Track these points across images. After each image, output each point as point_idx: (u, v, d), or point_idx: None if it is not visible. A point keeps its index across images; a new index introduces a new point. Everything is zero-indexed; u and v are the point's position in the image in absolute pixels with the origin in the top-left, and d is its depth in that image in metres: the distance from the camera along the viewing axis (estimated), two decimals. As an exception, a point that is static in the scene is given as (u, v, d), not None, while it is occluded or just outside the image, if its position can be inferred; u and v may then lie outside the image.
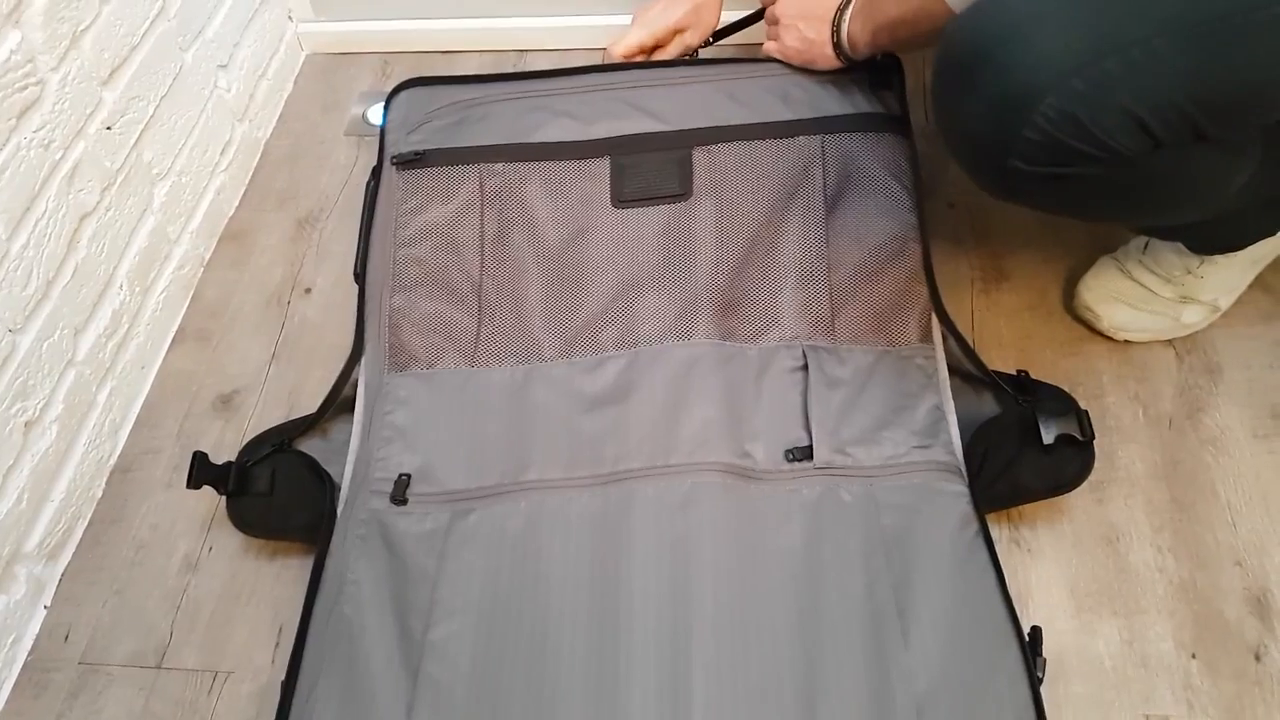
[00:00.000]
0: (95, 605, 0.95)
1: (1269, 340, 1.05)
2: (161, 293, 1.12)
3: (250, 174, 1.30)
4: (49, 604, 0.95)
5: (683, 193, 0.97)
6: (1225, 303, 1.03)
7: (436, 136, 1.02)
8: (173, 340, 1.14)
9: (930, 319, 0.95)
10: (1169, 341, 1.04)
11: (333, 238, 1.22)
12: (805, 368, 0.91)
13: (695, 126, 1.00)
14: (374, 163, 1.06)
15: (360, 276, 1.00)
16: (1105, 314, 1.03)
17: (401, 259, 0.98)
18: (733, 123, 0.99)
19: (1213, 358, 1.03)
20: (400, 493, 0.86)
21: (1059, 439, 0.86)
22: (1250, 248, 0.98)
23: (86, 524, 1.00)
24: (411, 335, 0.95)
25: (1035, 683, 0.75)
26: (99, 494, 1.02)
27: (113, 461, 1.04)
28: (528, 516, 0.84)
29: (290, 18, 1.40)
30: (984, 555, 0.81)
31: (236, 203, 1.27)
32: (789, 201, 0.97)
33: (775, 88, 1.02)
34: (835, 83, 1.02)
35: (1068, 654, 0.85)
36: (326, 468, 0.93)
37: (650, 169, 0.98)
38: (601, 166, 0.99)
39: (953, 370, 0.94)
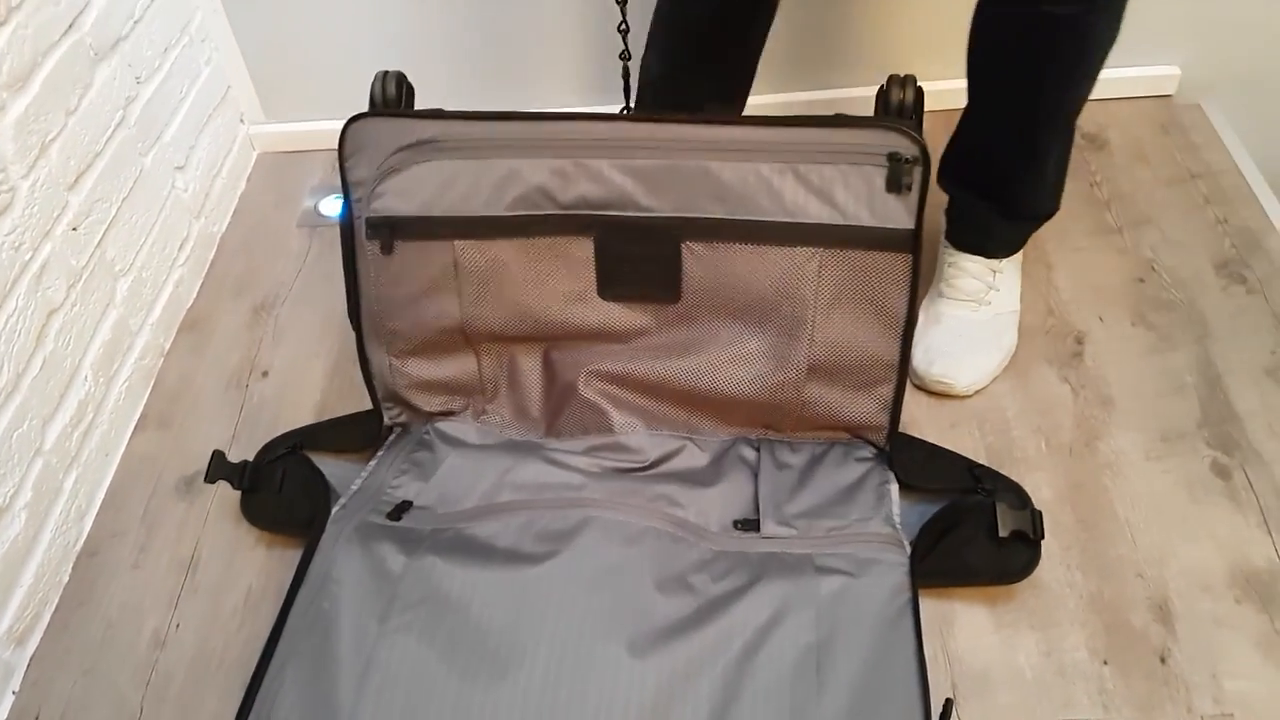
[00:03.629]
0: (65, 685, 0.97)
1: (1154, 371, 1.15)
2: (124, 382, 1.17)
3: (207, 266, 1.36)
4: (17, 689, 0.97)
5: (671, 297, 0.97)
6: (1019, 306, 1.18)
7: (405, 196, 0.94)
8: (136, 426, 1.19)
9: (887, 418, 1.01)
10: (1064, 378, 1.14)
11: (288, 322, 1.29)
12: (758, 454, 1.02)
13: (685, 215, 0.93)
14: (333, 232, 1.15)
15: (357, 331, 1.05)
16: (953, 377, 1.11)
17: (392, 330, 1.01)
18: (726, 217, 0.92)
19: (1104, 390, 1.13)
20: (398, 513, 0.97)
21: (1011, 534, 0.93)
22: (1018, 253, 1.16)
23: (54, 608, 1.03)
24: (423, 403, 1.05)
25: None
26: (66, 578, 1.05)
27: (79, 546, 1.07)
28: (494, 528, 0.95)
29: (242, 120, 1.48)
30: (909, 623, 0.87)
31: (194, 293, 1.33)
32: (774, 312, 0.96)
33: (777, 172, 0.90)
34: (847, 174, 0.90)
35: (993, 667, 0.92)
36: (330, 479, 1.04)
37: (638, 263, 0.95)
38: (584, 249, 0.95)
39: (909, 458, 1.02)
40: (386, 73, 0.97)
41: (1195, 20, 1.47)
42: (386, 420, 1.08)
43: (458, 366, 1.04)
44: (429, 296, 0.98)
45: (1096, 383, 1.14)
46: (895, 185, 0.89)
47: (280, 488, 1.03)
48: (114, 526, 1.10)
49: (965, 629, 0.95)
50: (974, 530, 0.94)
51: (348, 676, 0.83)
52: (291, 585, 0.93)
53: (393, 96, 0.97)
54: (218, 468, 1.03)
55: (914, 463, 1.01)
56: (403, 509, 0.98)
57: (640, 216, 0.93)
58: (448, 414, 1.07)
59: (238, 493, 1.06)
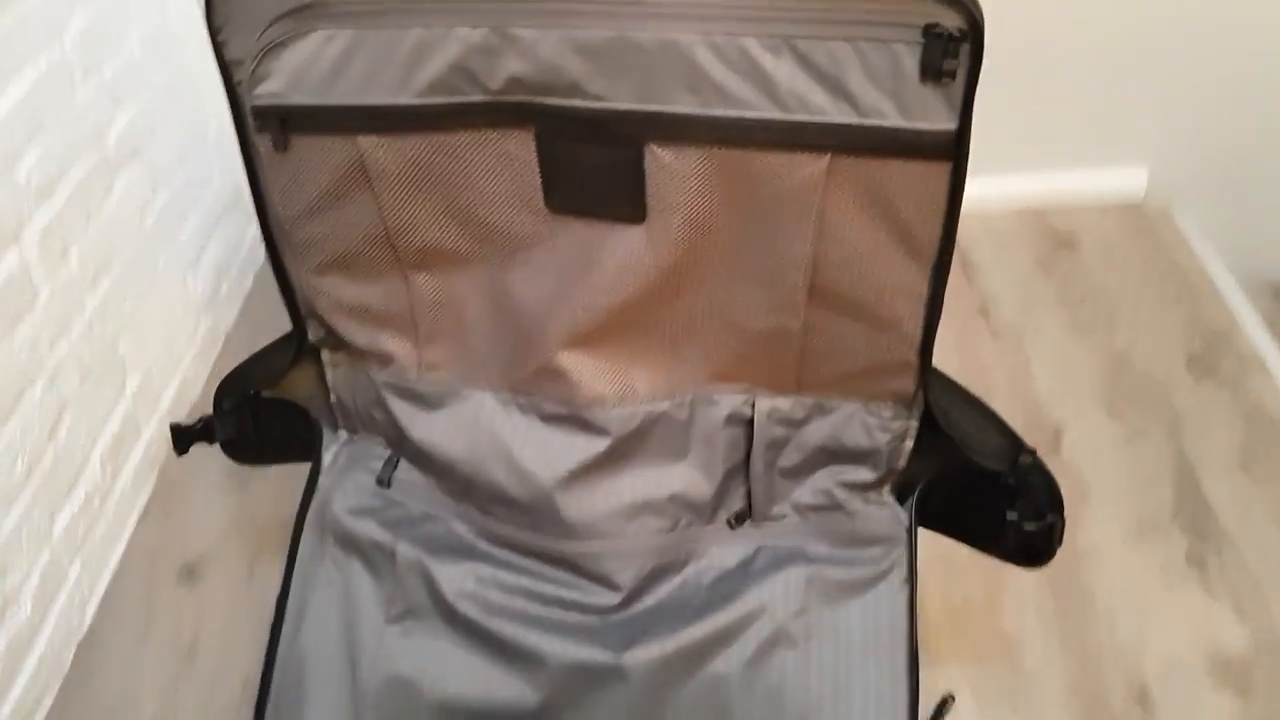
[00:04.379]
0: (63, 773, 0.99)
1: (1129, 463, 1.19)
2: (130, 473, 1.20)
3: (213, 362, 1.41)
4: (16, 777, 0.99)
5: (634, 215, 0.75)
6: None
7: (296, 81, 0.73)
8: (139, 516, 1.22)
9: (910, 391, 0.81)
10: (1042, 468, 1.18)
11: (291, 416, 1.33)
12: (750, 425, 0.85)
13: (648, 109, 0.70)
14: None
15: (265, 238, 0.86)
16: None
17: (301, 241, 0.82)
18: (704, 112, 0.69)
19: (1082, 482, 1.17)
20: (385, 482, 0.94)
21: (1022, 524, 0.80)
22: None
23: (54, 695, 1.04)
24: (349, 330, 0.88)
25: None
26: (68, 664, 1.07)
27: (82, 633, 1.10)
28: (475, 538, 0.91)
29: (251, 219, 1.55)
30: (900, 607, 0.84)
31: (200, 389, 1.38)
32: (770, 238, 0.75)
33: (769, 49, 0.66)
34: (866, 54, 0.65)
35: (976, 753, 0.94)
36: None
37: (591, 171, 0.74)
38: (524, 145, 0.74)
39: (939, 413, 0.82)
40: None
41: (1162, 125, 1.55)
42: (311, 338, 0.91)
43: (385, 290, 0.85)
44: (339, 202, 0.79)
45: (1074, 474, 1.18)
46: (933, 71, 0.64)
47: (255, 427, 0.95)
48: (115, 614, 1.12)
49: (950, 715, 0.97)
50: (986, 508, 0.82)
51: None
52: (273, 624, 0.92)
53: None
54: (182, 437, 0.95)
55: (952, 416, 0.81)
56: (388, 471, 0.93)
57: (591, 108, 0.70)
58: (384, 359, 0.89)
59: (238, 580, 1.09)
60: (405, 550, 0.89)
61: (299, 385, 0.95)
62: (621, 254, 0.77)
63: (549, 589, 0.88)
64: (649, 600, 0.88)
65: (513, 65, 0.70)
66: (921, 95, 0.65)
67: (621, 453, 0.85)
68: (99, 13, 1.16)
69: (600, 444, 0.85)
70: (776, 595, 0.84)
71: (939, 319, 0.76)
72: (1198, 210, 1.60)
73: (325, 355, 0.93)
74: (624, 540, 0.87)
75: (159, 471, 1.27)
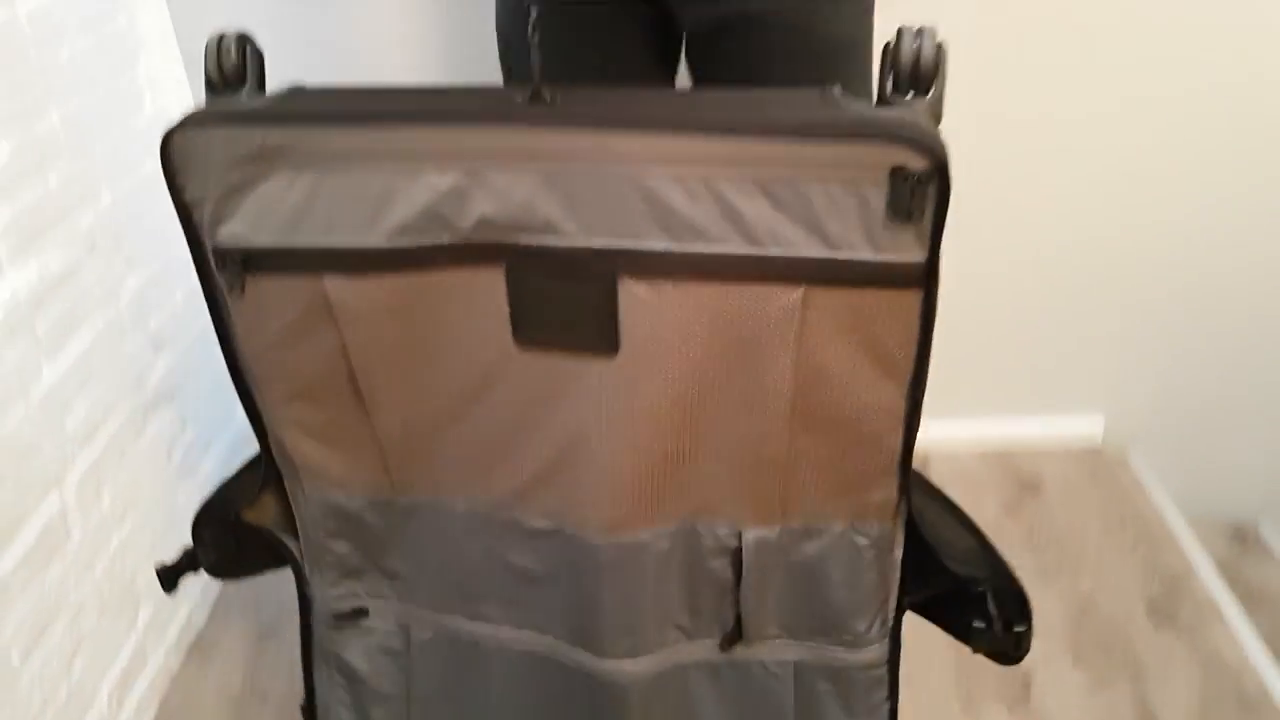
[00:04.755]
0: None
1: (1095, 710, 1.24)
2: (134, 704, 1.24)
3: (218, 590, 1.47)
4: None
5: (607, 347, 0.73)
6: None
7: (252, 225, 0.73)
8: (138, 750, 1.25)
9: (894, 502, 0.81)
10: (1014, 715, 1.23)
11: (291, 645, 1.38)
12: (739, 554, 0.83)
13: (624, 246, 0.69)
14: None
15: (228, 366, 0.83)
16: None
17: (263, 375, 0.81)
18: (677, 249, 0.69)
19: (1050, 731, 1.22)
20: (360, 628, 0.94)
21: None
22: None
23: None
24: (314, 455, 0.85)
25: None
26: None
27: None
28: (478, 660, 0.92)
29: (265, 450, 1.65)
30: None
31: (206, 617, 1.43)
32: (749, 367, 0.74)
33: (742, 193, 0.67)
34: (834, 194, 0.66)
35: None
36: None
37: (562, 305, 0.73)
38: (493, 283, 0.73)
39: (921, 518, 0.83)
40: (223, 36, 0.74)
41: (1116, 374, 1.69)
42: (280, 468, 0.88)
43: (351, 421, 0.83)
44: (303, 339, 0.78)
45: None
46: (901, 211, 0.65)
47: (238, 548, 0.95)
48: None
49: None
50: (960, 612, 0.84)
51: None
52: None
53: (234, 67, 0.74)
54: (168, 576, 0.93)
55: (927, 518, 0.83)
56: (359, 617, 0.94)
57: (563, 246, 0.70)
58: (352, 485, 0.87)
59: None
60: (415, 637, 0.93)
61: (271, 509, 0.93)
62: (594, 387, 0.75)
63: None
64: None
65: (483, 207, 0.69)
66: (890, 231, 0.66)
67: (606, 575, 0.82)
68: (151, 275, 1.30)
69: (583, 565, 0.83)
70: (777, 698, 0.87)
71: (917, 430, 0.77)
72: (1154, 453, 1.71)
73: (288, 485, 0.90)
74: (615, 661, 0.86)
75: (160, 702, 1.31)
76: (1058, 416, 1.73)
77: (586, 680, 0.87)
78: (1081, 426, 1.74)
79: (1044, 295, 1.63)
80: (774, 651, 0.87)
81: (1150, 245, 1.57)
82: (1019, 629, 0.80)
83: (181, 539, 1.35)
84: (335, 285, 0.73)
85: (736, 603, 0.84)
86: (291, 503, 0.90)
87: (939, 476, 1.63)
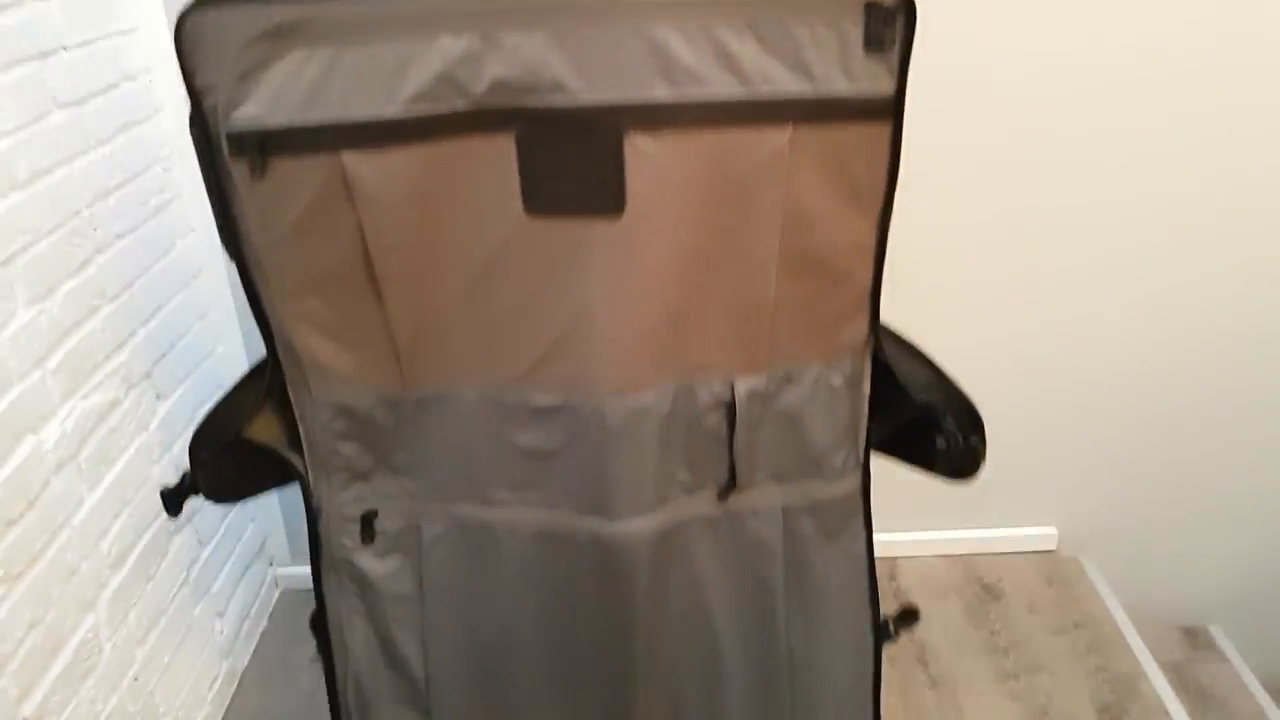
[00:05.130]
0: None
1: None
2: (148, 817, 1.30)
3: (228, 702, 1.54)
4: None
5: (614, 206, 0.78)
6: None
7: (269, 105, 0.75)
8: None
9: (864, 338, 0.91)
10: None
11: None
12: (732, 407, 0.89)
13: (625, 102, 0.75)
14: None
15: (238, 266, 0.84)
16: None
17: (276, 266, 0.82)
18: (679, 97, 0.75)
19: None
20: (369, 533, 0.93)
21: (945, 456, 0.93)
22: None
23: None
24: (324, 352, 0.87)
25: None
26: None
27: None
28: (489, 543, 0.94)
29: (271, 563, 1.73)
30: (859, 550, 0.98)
31: (216, 729, 1.49)
32: (745, 212, 0.80)
33: (734, 33, 0.74)
34: (818, 31, 0.75)
35: None
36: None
37: (571, 167, 0.77)
38: (503, 150, 0.76)
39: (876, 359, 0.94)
40: None
41: (1065, 488, 1.82)
42: (286, 371, 0.90)
43: (362, 310, 0.85)
44: (319, 223, 0.79)
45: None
46: (875, 41, 0.74)
47: (238, 471, 0.96)
48: None
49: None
50: (920, 443, 0.94)
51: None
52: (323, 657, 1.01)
53: None
54: (171, 500, 0.95)
55: (890, 356, 0.94)
56: (369, 524, 0.94)
57: (572, 105, 0.75)
58: (360, 381, 0.89)
59: None
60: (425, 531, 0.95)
61: (273, 425, 0.94)
62: (600, 250, 0.78)
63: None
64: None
65: (496, 69, 0.73)
66: (865, 64, 0.76)
67: (613, 440, 0.87)
68: (175, 403, 1.40)
69: (592, 433, 0.87)
70: (766, 543, 0.94)
71: (883, 269, 0.86)
72: (1108, 561, 1.84)
73: (291, 393, 0.91)
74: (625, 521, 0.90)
75: (172, 813, 1.37)
76: (1017, 528, 1.85)
77: (595, 548, 0.90)
78: (1036, 537, 1.86)
79: (1002, 417, 1.76)
80: (763, 499, 0.93)
81: (1100, 369, 1.72)
82: (974, 441, 0.90)
83: (193, 653, 1.43)
84: (354, 161, 0.75)
85: (731, 454, 0.90)
86: (296, 413, 0.91)
87: (909, 584, 1.75)
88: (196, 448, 0.92)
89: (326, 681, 1.01)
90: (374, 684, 0.98)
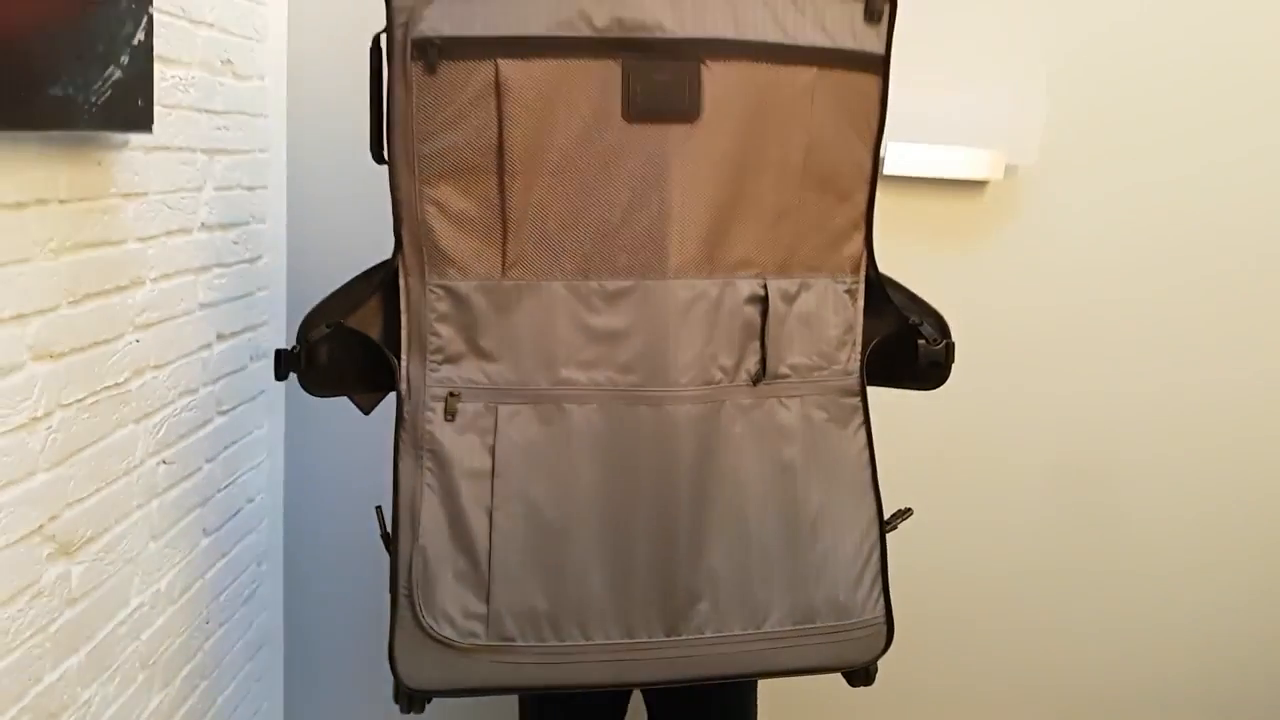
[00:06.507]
0: None
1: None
2: None
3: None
4: None
5: (692, 113, 1.05)
6: None
7: (450, 19, 1.02)
8: None
9: (860, 255, 1.17)
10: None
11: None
12: (765, 301, 1.12)
13: (701, 36, 1.04)
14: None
15: (388, 162, 1.07)
16: None
17: (427, 154, 1.05)
18: (739, 38, 1.05)
19: None
20: (452, 410, 1.09)
21: (929, 361, 1.19)
22: None
23: None
24: (446, 237, 1.07)
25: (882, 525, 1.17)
26: None
27: None
28: (558, 416, 1.09)
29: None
30: (862, 440, 1.18)
31: None
32: (781, 129, 1.09)
33: (779, 3, 1.06)
34: (832, 4, 1.08)
35: None
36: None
37: (660, 83, 1.04)
38: (613, 72, 1.03)
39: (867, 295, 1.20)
40: None
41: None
42: (406, 252, 1.09)
43: (485, 197, 1.07)
44: (470, 116, 1.04)
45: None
46: (872, 15, 1.09)
47: (330, 361, 1.12)
48: None
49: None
50: (904, 353, 1.20)
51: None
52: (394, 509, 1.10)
53: None
54: (284, 362, 1.12)
55: (880, 280, 1.20)
56: (454, 403, 1.09)
57: (666, 38, 1.03)
58: (466, 269, 1.08)
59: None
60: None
61: (376, 319, 1.14)
62: (679, 146, 1.06)
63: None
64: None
65: (617, 10, 1.02)
66: (865, 30, 1.09)
67: (676, 318, 1.09)
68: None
69: (657, 313, 1.09)
70: (789, 427, 1.14)
71: (876, 191, 1.15)
72: None
73: (402, 281, 1.10)
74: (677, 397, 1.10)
75: None
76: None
77: (653, 419, 1.10)
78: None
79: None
80: (787, 390, 1.15)
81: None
82: (949, 341, 1.20)
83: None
84: (506, 66, 1.03)
85: (763, 345, 1.12)
86: (403, 300, 1.10)
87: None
88: (306, 328, 1.11)
89: (390, 558, 1.10)
90: (439, 558, 1.09)
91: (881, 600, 1.16)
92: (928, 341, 1.18)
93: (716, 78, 1.05)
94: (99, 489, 1.18)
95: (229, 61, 1.45)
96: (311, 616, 1.81)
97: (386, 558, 1.10)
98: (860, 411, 1.18)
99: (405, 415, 1.10)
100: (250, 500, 1.65)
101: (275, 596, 1.78)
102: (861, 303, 1.18)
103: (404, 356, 1.10)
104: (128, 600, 1.26)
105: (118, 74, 1.07)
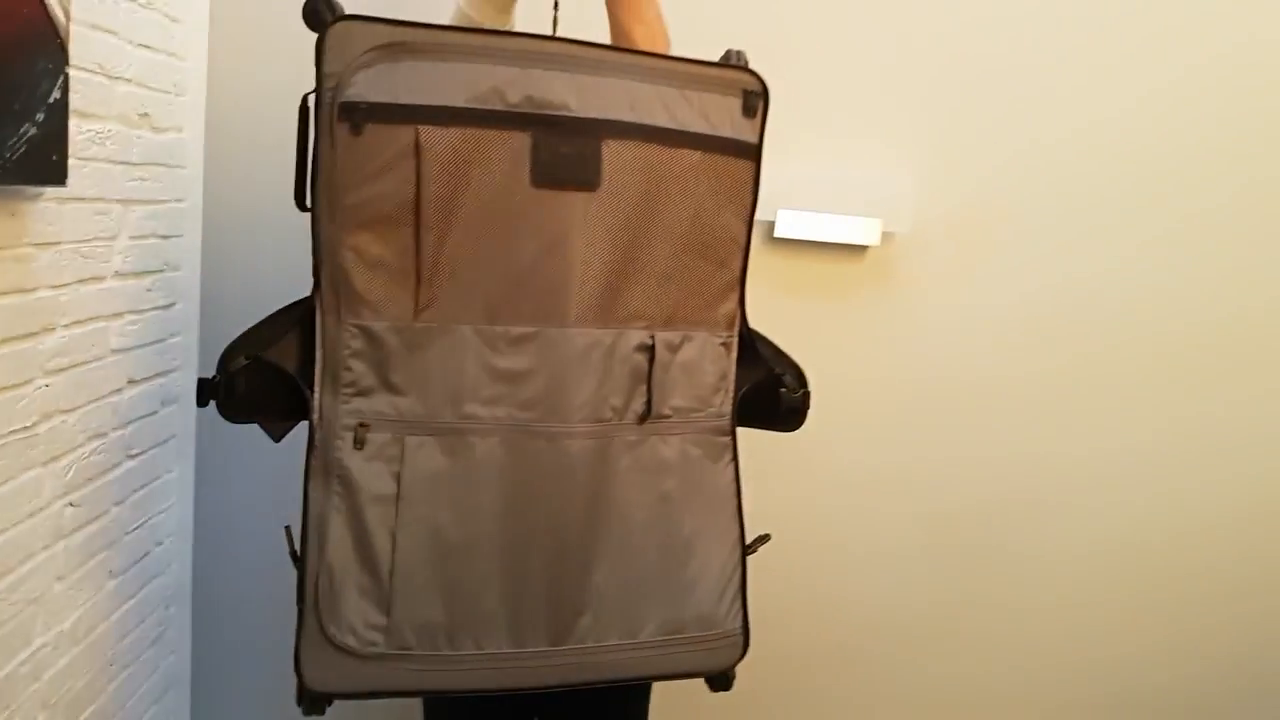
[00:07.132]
0: None
1: None
2: None
3: None
4: None
5: (593, 183, 1.16)
6: None
7: (376, 87, 1.10)
8: None
9: (735, 313, 1.29)
10: None
11: None
12: (652, 351, 1.24)
13: (602, 117, 1.15)
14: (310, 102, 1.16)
15: (311, 210, 1.13)
16: None
17: (348, 205, 1.12)
18: (635, 121, 1.17)
19: None
20: (361, 439, 1.16)
21: (787, 408, 1.34)
22: None
23: None
24: (362, 281, 1.15)
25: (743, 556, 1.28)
26: None
27: None
28: (463, 447, 1.18)
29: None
30: (730, 474, 1.30)
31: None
32: (670, 203, 1.20)
33: (675, 93, 1.19)
34: (716, 100, 1.22)
35: None
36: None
37: (565, 155, 1.15)
38: (523, 142, 1.13)
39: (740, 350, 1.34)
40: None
41: None
42: (324, 294, 1.15)
43: (401, 247, 1.14)
44: (391, 173, 1.12)
45: None
46: (749, 111, 1.23)
47: (248, 391, 1.17)
48: None
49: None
50: (768, 400, 1.34)
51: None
52: (303, 527, 1.15)
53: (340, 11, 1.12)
54: (201, 390, 1.17)
55: (751, 337, 1.33)
56: (362, 433, 1.16)
57: (571, 116, 1.14)
58: (379, 310, 1.16)
59: None
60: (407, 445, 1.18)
61: (292, 353, 1.20)
62: (580, 212, 1.16)
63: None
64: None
65: (528, 90, 1.13)
66: (743, 122, 1.23)
67: (573, 363, 1.20)
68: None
69: (557, 357, 1.19)
70: (669, 461, 1.26)
71: (749, 260, 1.27)
72: None
73: (319, 318, 1.17)
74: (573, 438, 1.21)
75: None
76: None
77: (550, 452, 1.20)
78: None
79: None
80: (668, 428, 1.26)
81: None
82: (806, 390, 1.34)
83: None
84: (426, 131, 1.11)
85: (649, 388, 1.24)
86: (318, 336, 1.17)
87: None
88: (226, 359, 1.18)
89: (298, 573, 1.16)
90: (344, 574, 1.15)
91: (740, 614, 1.28)
92: (788, 390, 1.33)
93: (614, 154, 1.16)
94: (3, 530, 1.21)
95: (146, 115, 1.50)
96: (220, 659, 1.82)
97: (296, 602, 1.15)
98: (730, 449, 1.30)
99: (317, 443, 1.17)
100: (159, 543, 1.67)
101: (183, 639, 1.79)
102: (735, 354, 1.30)
103: (318, 389, 1.17)
104: (30, 640, 1.28)
105: (33, 130, 1.13)
